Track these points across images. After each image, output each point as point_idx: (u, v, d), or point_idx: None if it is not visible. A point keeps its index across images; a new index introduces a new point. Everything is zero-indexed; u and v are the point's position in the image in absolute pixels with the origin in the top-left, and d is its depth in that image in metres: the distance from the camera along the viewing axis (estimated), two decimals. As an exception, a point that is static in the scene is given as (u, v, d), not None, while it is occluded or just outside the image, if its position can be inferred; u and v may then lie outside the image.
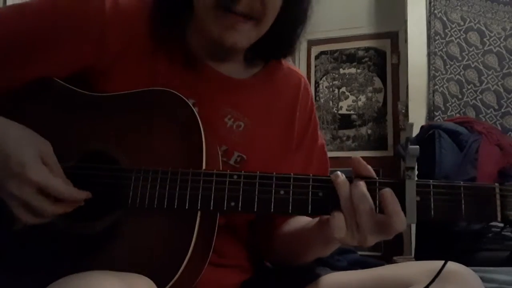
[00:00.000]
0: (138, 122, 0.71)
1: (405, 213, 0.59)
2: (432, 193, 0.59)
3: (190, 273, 0.63)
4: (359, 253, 1.65)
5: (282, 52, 0.84)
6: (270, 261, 0.88)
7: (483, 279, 0.67)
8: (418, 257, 2.30)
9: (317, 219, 0.70)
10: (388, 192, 0.59)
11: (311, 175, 0.64)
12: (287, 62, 0.89)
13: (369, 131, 3.76)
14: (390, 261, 2.31)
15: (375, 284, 0.70)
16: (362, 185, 0.60)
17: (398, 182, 0.61)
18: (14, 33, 0.72)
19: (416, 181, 0.59)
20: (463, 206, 0.59)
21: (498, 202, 0.58)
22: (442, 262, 0.63)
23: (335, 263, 1.39)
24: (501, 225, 1.90)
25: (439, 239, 2.02)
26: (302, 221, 0.79)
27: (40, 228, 0.67)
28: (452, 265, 0.65)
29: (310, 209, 0.62)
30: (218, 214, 0.68)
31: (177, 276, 0.60)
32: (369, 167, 0.62)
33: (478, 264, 1.55)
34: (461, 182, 0.60)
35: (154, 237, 0.65)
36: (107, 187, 0.67)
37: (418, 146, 0.59)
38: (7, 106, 0.71)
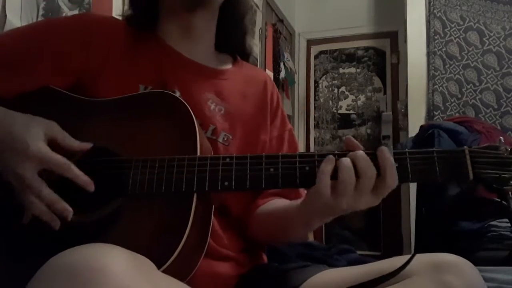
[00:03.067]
0: (138, 122, 0.75)
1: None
2: (408, 159, 0.65)
3: (187, 258, 0.65)
4: (359, 252, 1.65)
5: (240, 46, 1.01)
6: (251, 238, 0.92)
7: (483, 279, 0.68)
8: (417, 257, 2.30)
9: (297, 202, 0.75)
10: (384, 149, 0.65)
11: (297, 152, 0.69)
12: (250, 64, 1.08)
13: (369, 131, 3.76)
14: (389, 260, 2.30)
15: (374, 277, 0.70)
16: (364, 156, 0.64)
17: (376, 151, 0.66)
18: (13, 49, 0.83)
19: (394, 150, 0.66)
20: (437, 168, 0.65)
21: (469, 162, 0.64)
22: (442, 254, 0.67)
23: (334, 262, 1.39)
24: (501, 224, 1.90)
25: (439, 239, 2.02)
26: (280, 204, 0.86)
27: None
28: (450, 257, 0.67)
29: (298, 182, 0.66)
30: (213, 207, 0.72)
31: (174, 255, 0.62)
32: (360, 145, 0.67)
33: (478, 263, 1.55)
34: (434, 148, 0.66)
35: (153, 222, 0.67)
36: (108, 177, 0.71)
37: (390, 113, 0.62)
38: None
